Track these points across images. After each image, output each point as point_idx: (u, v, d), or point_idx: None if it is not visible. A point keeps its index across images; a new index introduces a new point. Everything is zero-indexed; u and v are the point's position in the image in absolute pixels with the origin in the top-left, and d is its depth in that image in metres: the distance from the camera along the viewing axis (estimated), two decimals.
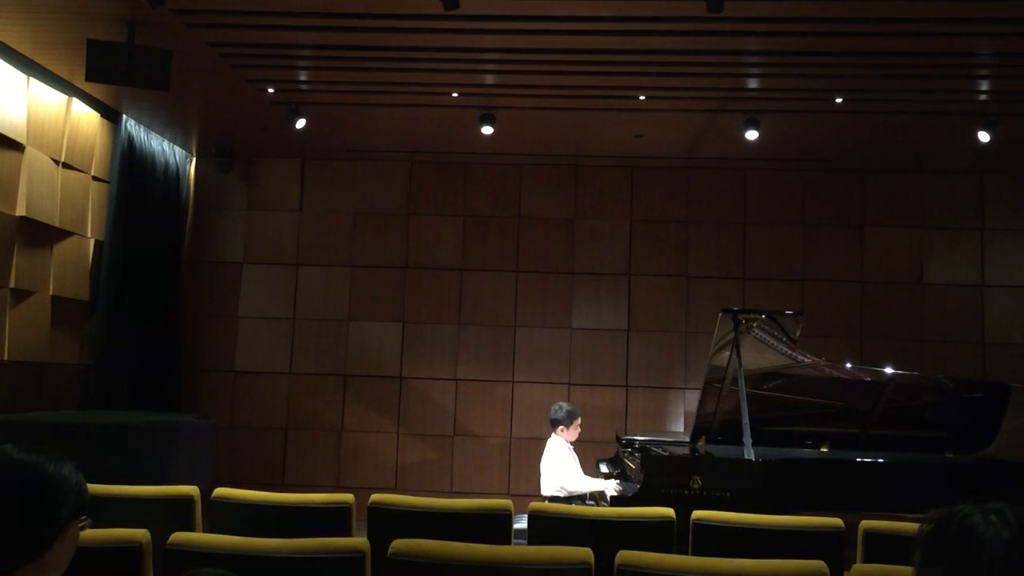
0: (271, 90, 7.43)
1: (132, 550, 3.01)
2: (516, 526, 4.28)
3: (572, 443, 6.67)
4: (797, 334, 6.08)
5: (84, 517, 1.86)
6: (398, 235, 9.52)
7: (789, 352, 6.06)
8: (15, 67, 6.77)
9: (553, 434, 6.65)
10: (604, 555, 2.99)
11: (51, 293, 7.37)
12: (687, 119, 7.79)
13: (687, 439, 6.62)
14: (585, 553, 2.92)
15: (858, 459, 5.98)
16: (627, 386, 9.20)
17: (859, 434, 6.49)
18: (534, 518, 4.23)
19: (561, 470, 6.44)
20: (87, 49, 5.82)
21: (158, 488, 4.20)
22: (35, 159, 7.06)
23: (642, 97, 7.25)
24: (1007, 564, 1.57)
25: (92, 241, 7.97)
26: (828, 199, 9.27)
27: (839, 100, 7.17)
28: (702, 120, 7.80)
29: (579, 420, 6.69)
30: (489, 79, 7.02)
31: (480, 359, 9.34)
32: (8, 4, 5.87)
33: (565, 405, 6.74)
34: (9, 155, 6.78)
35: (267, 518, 4.16)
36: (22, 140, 6.87)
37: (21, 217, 6.91)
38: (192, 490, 4.14)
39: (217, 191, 9.64)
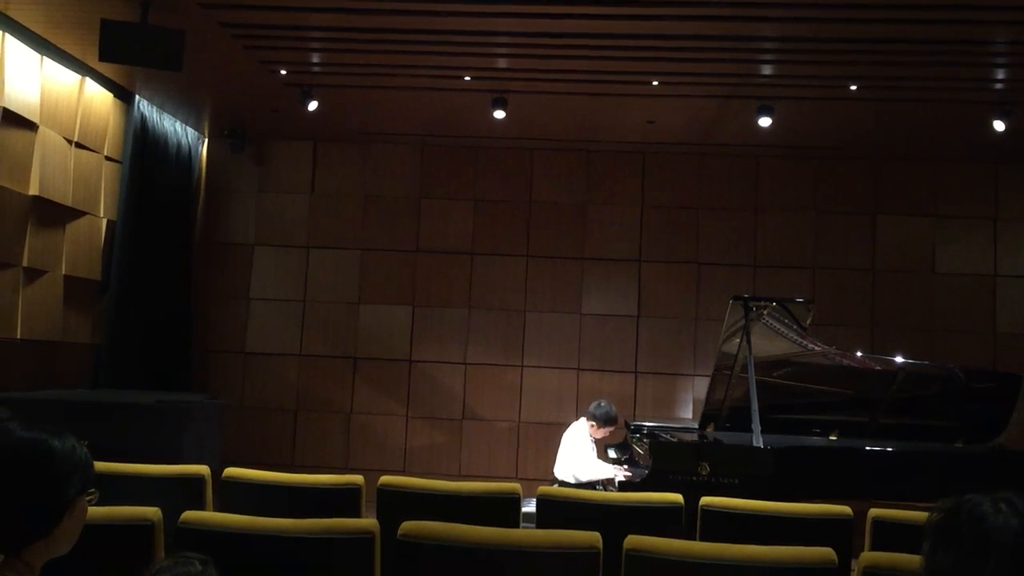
0: (283, 71, 7.42)
1: (143, 528, 3.03)
2: (524, 510, 4.28)
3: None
4: (808, 322, 6.07)
5: (92, 490, 1.86)
6: (409, 218, 9.52)
7: (799, 340, 6.05)
8: (29, 46, 6.78)
9: (582, 419, 6.74)
10: (612, 539, 2.99)
11: (63, 272, 7.40)
12: (700, 105, 7.75)
13: (696, 426, 6.62)
14: (593, 537, 2.93)
15: (867, 448, 5.98)
16: (636, 372, 9.21)
17: (868, 423, 6.48)
18: (542, 502, 4.23)
19: (578, 456, 6.51)
20: (100, 29, 5.83)
21: (170, 467, 4.21)
22: (48, 138, 7.08)
23: (655, 83, 7.22)
24: (1016, 552, 1.58)
25: (104, 221, 7.99)
26: (840, 187, 9.22)
27: (853, 88, 7.12)
28: (715, 106, 7.76)
29: (612, 429, 6.78)
30: (502, 63, 7.00)
31: (489, 343, 9.35)
32: None
33: (606, 405, 6.77)
34: (22, 134, 6.80)
35: (277, 498, 4.17)
36: (35, 119, 6.88)
37: (34, 196, 6.93)
38: (203, 469, 4.16)
39: (229, 172, 9.66)
